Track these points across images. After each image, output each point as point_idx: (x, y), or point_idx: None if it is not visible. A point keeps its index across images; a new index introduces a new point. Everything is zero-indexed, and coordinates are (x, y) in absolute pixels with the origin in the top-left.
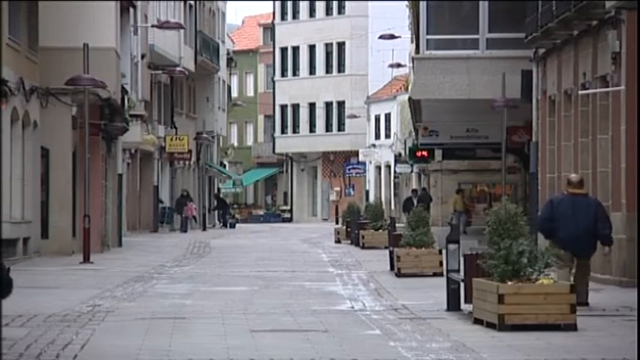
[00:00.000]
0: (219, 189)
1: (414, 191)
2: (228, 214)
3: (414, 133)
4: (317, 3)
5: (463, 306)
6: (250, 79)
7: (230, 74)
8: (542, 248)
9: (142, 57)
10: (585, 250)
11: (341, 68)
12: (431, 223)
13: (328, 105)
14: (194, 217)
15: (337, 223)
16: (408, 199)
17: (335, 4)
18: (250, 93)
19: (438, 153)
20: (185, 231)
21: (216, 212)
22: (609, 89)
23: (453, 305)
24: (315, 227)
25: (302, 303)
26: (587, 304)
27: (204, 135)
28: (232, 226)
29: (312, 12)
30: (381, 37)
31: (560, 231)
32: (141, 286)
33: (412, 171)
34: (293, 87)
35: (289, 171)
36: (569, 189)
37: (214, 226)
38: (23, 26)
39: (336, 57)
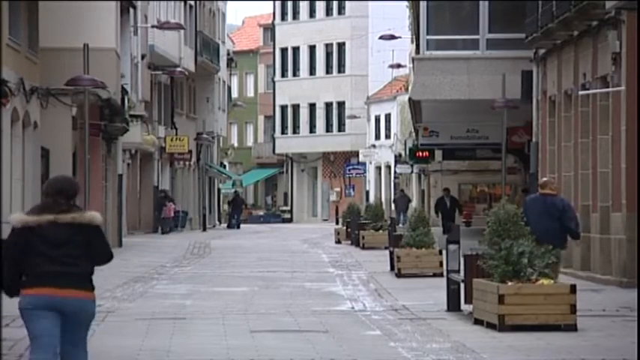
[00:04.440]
0: (236, 191)
1: (446, 190)
2: (236, 215)
3: (414, 134)
4: (317, 3)
5: (463, 306)
6: (250, 79)
7: (230, 75)
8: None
9: (142, 57)
10: (555, 244)
11: (341, 69)
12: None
13: (328, 105)
14: (173, 219)
15: (337, 223)
16: (440, 198)
17: (335, 5)
18: (250, 93)
19: (438, 153)
20: (166, 232)
21: (228, 210)
22: (609, 89)
23: (453, 306)
24: (315, 228)
25: (302, 303)
26: None
27: (205, 135)
28: (236, 226)
29: (312, 12)
30: (381, 37)
31: (533, 228)
32: (141, 286)
33: (412, 171)
34: (293, 87)
35: (289, 171)
36: (540, 190)
37: (214, 226)
38: (23, 26)
39: (336, 57)
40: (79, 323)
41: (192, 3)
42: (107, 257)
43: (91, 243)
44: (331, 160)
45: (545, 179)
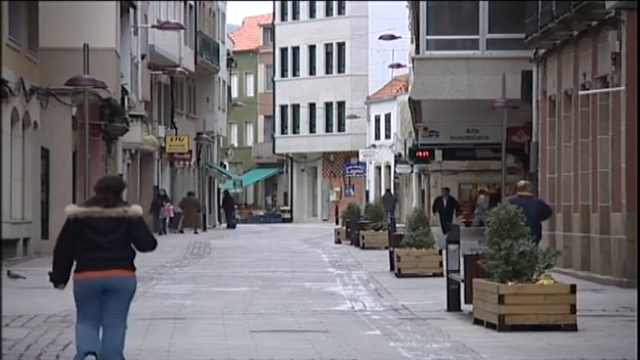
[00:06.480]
0: (226, 190)
1: (446, 189)
2: (232, 215)
3: (414, 134)
4: (317, 3)
5: (463, 306)
6: (250, 79)
7: (230, 75)
8: (542, 249)
9: (142, 57)
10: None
11: (341, 69)
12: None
13: (328, 105)
14: (171, 219)
15: (337, 223)
16: (438, 198)
17: (335, 5)
18: (250, 93)
19: (438, 153)
20: (162, 233)
21: (221, 211)
22: (609, 90)
23: (453, 306)
24: (315, 228)
25: (302, 303)
26: None
27: (205, 135)
28: (233, 226)
29: (312, 12)
30: (381, 37)
31: None
32: (141, 286)
33: (412, 171)
34: (293, 87)
35: (289, 171)
36: (518, 192)
37: (214, 226)
38: (23, 26)
39: (336, 57)
40: (119, 297)
41: (192, 3)
42: (152, 244)
43: (134, 232)
44: (331, 160)
45: (523, 182)
